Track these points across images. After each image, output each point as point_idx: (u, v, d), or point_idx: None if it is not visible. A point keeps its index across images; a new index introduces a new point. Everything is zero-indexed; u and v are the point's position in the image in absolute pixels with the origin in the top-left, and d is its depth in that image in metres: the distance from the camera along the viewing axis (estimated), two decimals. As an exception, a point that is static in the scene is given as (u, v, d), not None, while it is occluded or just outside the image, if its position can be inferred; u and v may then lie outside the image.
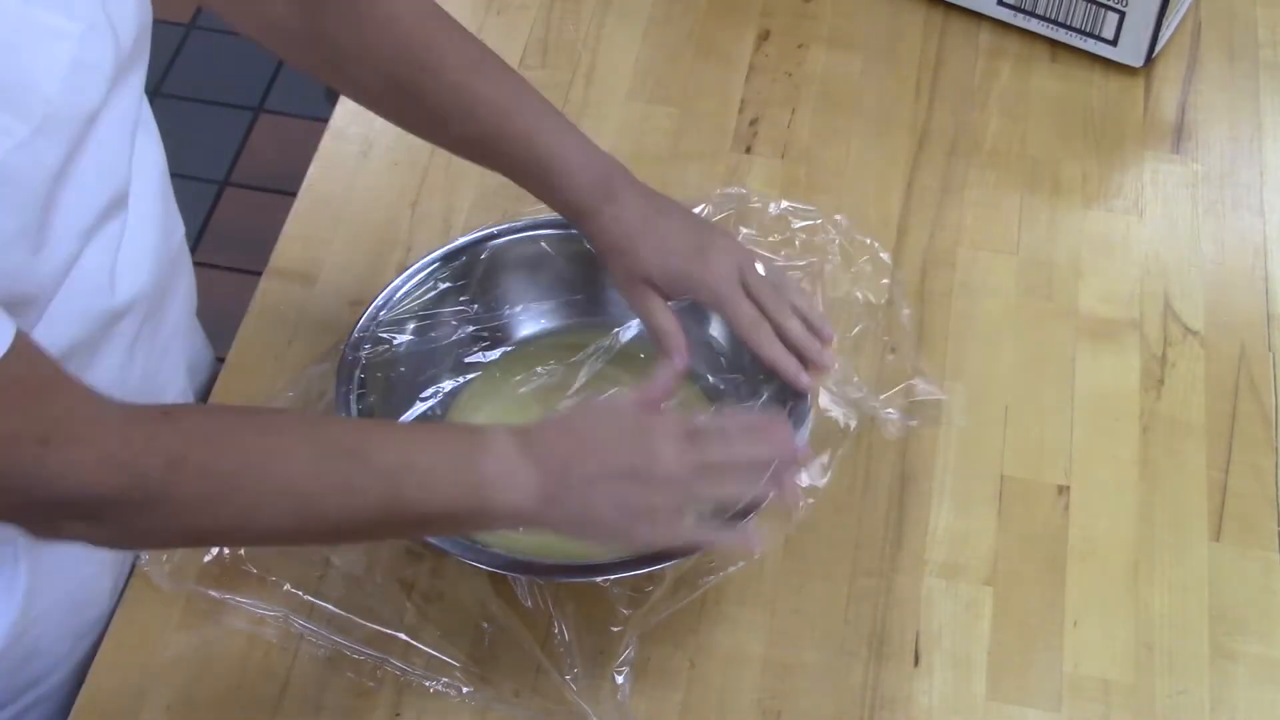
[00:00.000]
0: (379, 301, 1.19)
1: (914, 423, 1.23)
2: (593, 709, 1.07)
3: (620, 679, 1.08)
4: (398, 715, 1.09)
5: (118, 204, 1.00)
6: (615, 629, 1.10)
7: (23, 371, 0.83)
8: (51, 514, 0.86)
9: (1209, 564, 1.18)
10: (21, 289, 0.91)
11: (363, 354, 1.15)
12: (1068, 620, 1.15)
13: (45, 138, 0.88)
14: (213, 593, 1.12)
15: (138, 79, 1.02)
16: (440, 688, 1.09)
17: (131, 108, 1.01)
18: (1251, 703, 1.12)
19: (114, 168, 0.99)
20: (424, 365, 1.20)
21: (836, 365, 1.17)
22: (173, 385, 1.17)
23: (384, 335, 1.18)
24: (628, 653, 1.09)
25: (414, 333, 1.19)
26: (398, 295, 1.19)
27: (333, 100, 1.45)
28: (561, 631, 1.09)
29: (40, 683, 1.11)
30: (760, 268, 1.14)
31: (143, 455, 0.86)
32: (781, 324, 1.12)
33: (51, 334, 0.94)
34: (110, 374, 1.04)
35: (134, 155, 1.02)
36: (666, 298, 1.13)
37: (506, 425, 0.99)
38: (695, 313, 1.21)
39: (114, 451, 0.85)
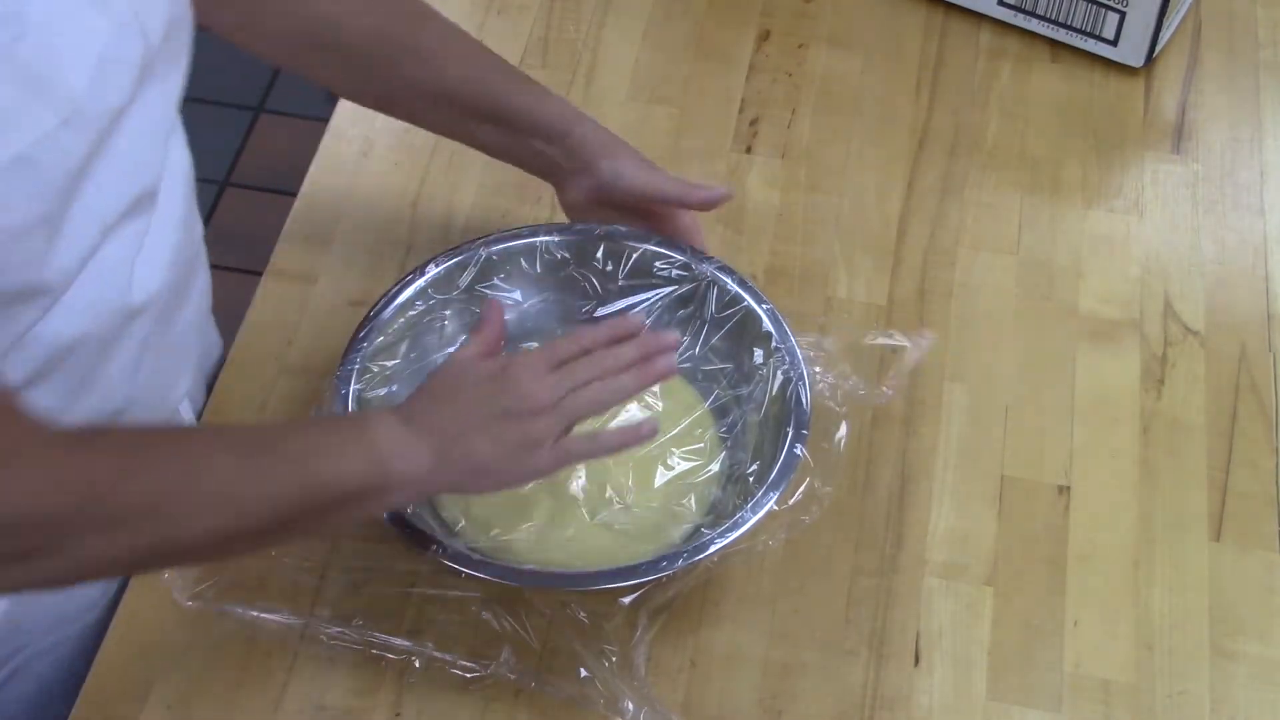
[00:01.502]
0: (363, 333, 1.17)
1: (889, 391, 1.23)
2: (626, 689, 1.07)
3: (639, 661, 1.08)
4: (398, 715, 1.09)
5: (144, 202, 1.01)
6: (616, 622, 1.10)
7: None
8: (3, 545, 0.86)
9: (1209, 564, 1.18)
10: (36, 278, 0.92)
11: (351, 389, 1.14)
12: (1068, 620, 1.15)
13: (71, 130, 0.90)
14: (238, 609, 1.11)
15: (174, 81, 1.02)
16: (440, 687, 1.09)
17: (166, 109, 1.02)
18: (1251, 703, 1.12)
19: (142, 166, 1.00)
20: (419, 379, 1.19)
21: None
22: (183, 381, 1.18)
23: (372, 367, 1.17)
24: (641, 634, 1.09)
25: (406, 349, 1.19)
26: (385, 315, 1.18)
27: (333, 100, 1.45)
28: (567, 625, 1.10)
29: (15, 656, 1.13)
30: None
31: (88, 472, 0.87)
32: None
33: (64, 326, 0.96)
34: (122, 370, 1.04)
35: (166, 157, 1.03)
36: (638, 204, 1.21)
37: (382, 408, 1.07)
38: (689, 317, 1.21)
39: (62, 472, 0.86)
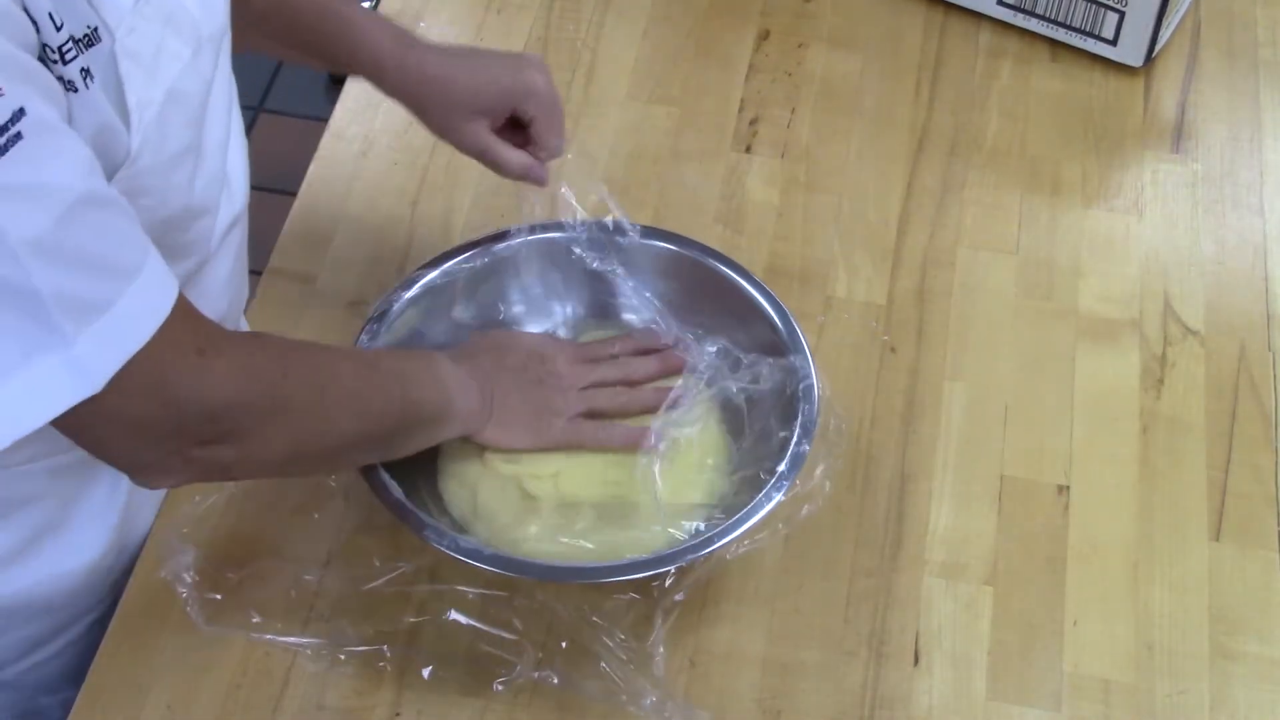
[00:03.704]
0: (372, 320, 1.18)
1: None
2: (648, 683, 1.07)
3: (658, 655, 1.08)
4: (398, 715, 1.09)
5: (230, 118, 1.09)
6: (630, 618, 1.10)
7: (182, 304, 0.92)
8: (201, 429, 0.94)
9: (1209, 564, 1.18)
10: (188, 200, 1.01)
11: None
12: (1068, 620, 1.15)
13: (201, 58, 0.98)
14: (255, 635, 1.11)
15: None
16: (439, 687, 1.09)
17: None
18: (1251, 703, 1.12)
19: (228, 84, 1.07)
20: None
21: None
22: (244, 296, 1.24)
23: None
24: (657, 631, 1.09)
25: (414, 345, 1.19)
26: (394, 309, 1.19)
27: (333, 100, 1.45)
28: (581, 623, 1.10)
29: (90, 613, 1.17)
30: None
31: (266, 365, 0.98)
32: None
33: (200, 238, 1.07)
34: (219, 281, 1.12)
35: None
36: (494, 125, 1.18)
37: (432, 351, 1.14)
38: (696, 314, 1.21)
39: (246, 362, 0.96)
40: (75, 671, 1.14)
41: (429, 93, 1.18)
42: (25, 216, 0.82)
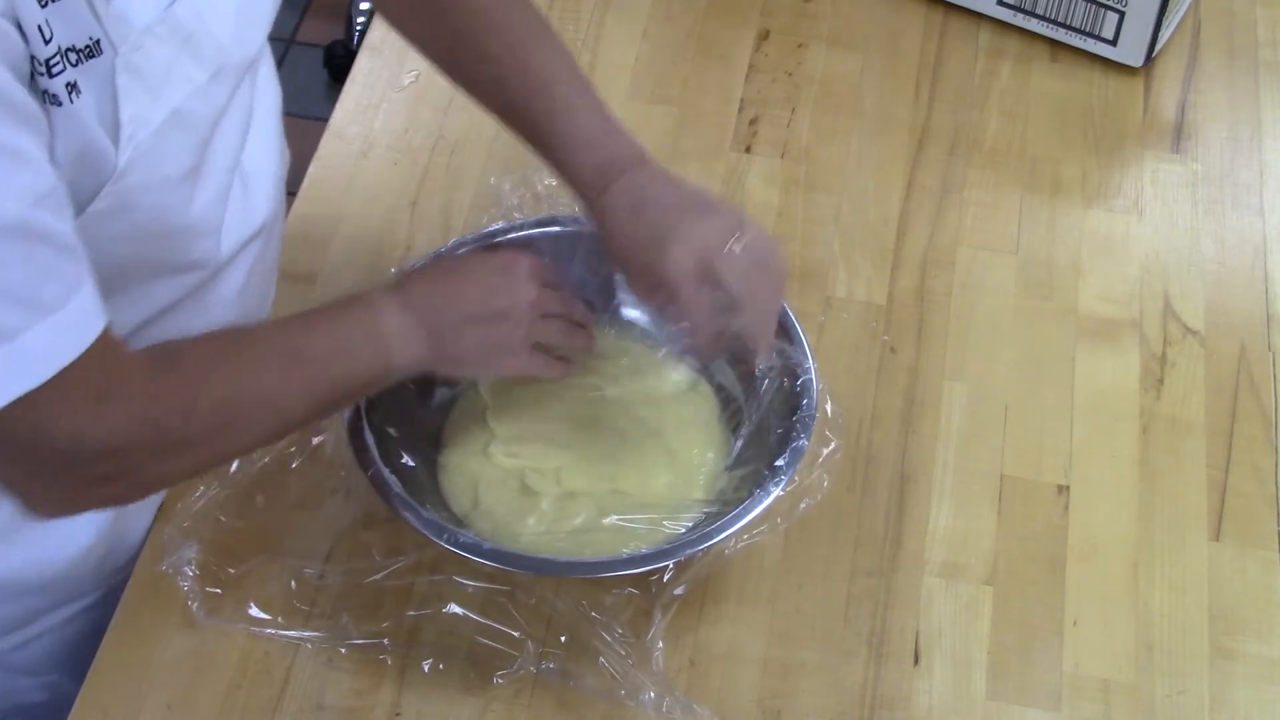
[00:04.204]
0: None
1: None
2: (647, 679, 1.07)
3: (657, 651, 1.08)
4: (398, 715, 1.09)
5: (249, 140, 1.08)
6: (629, 614, 1.10)
7: (100, 345, 0.89)
8: (91, 470, 0.92)
9: (1209, 564, 1.18)
10: (184, 220, 1.00)
11: None
12: (1068, 620, 1.15)
13: (218, 84, 0.97)
14: (255, 630, 1.11)
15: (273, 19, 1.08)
16: (440, 687, 1.09)
17: (266, 53, 1.09)
18: (1251, 702, 1.12)
19: (247, 108, 1.07)
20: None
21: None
22: (268, 304, 1.23)
23: None
24: (655, 626, 1.09)
25: None
26: None
27: (333, 100, 1.45)
28: (580, 619, 1.10)
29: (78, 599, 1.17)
30: (738, 245, 1.06)
31: (169, 408, 0.94)
32: (740, 311, 1.07)
33: (202, 257, 1.06)
34: (230, 294, 1.12)
35: (255, 90, 1.09)
36: (645, 295, 1.12)
37: (384, 288, 1.08)
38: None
39: (148, 406, 0.93)
40: (60, 656, 1.14)
41: (605, 248, 1.12)
42: None
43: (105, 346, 0.90)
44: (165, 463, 0.96)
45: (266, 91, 1.12)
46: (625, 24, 1.53)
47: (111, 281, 0.93)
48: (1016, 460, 1.23)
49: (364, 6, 2.75)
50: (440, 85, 1.46)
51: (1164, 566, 1.18)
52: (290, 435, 1.12)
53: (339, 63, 2.69)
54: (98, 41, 0.88)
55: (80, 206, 0.91)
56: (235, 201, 1.07)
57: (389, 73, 1.47)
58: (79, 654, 1.15)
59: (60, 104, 0.87)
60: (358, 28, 2.73)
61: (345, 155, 1.41)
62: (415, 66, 1.47)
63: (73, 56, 0.87)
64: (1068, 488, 1.22)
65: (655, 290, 1.08)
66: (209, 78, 0.96)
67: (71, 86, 0.87)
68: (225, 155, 1.03)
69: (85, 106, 0.88)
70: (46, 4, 0.85)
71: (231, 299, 1.12)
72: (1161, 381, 1.28)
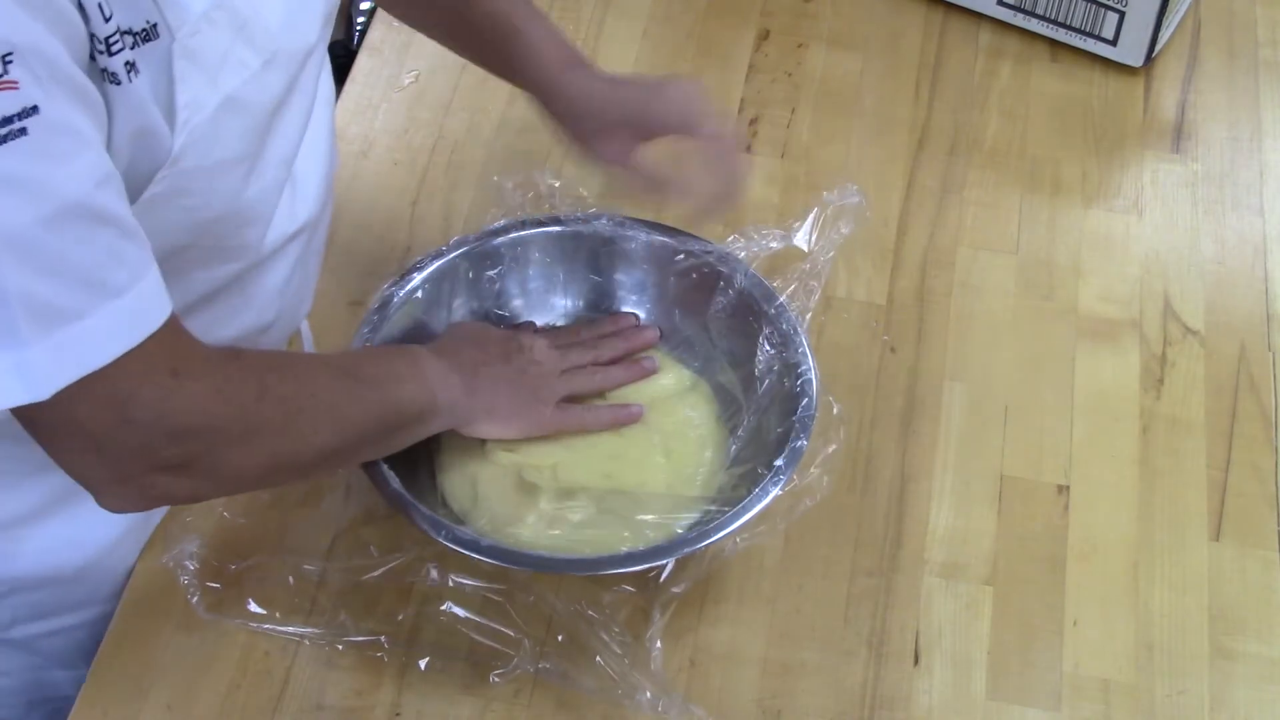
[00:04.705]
0: (373, 313, 1.18)
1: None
2: (644, 679, 1.07)
3: (654, 650, 1.08)
4: (398, 715, 1.09)
5: (307, 134, 1.08)
6: (627, 612, 1.10)
7: (169, 326, 0.91)
8: (166, 451, 0.92)
9: (1209, 563, 1.18)
10: (235, 206, 1.00)
11: None
12: (1068, 620, 1.15)
13: (272, 71, 0.97)
14: (255, 626, 1.11)
15: (333, 19, 1.09)
16: (439, 687, 1.09)
17: (324, 45, 1.09)
18: (1251, 702, 1.12)
19: (309, 103, 1.07)
20: None
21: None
22: (310, 298, 1.23)
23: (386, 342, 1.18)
24: (654, 625, 1.09)
25: (415, 338, 1.19)
26: (395, 302, 1.19)
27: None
28: (579, 618, 1.10)
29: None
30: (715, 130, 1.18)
31: (241, 387, 0.95)
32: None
33: (246, 249, 1.06)
34: (274, 287, 1.12)
35: (319, 75, 1.10)
36: (638, 141, 1.17)
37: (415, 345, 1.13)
38: (696, 310, 1.21)
39: (222, 385, 0.94)
40: (92, 652, 1.14)
41: (580, 118, 1.18)
42: (8, 210, 0.81)
43: (174, 330, 0.91)
44: (239, 450, 0.95)
45: (323, 88, 1.13)
46: (625, 24, 1.53)
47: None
48: (1016, 460, 1.23)
49: (364, 6, 2.74)
50: (440, 85, 1.47)
51: (1164, 566, 1.18)
52: (350, 466, 1.11)
53: (339, 63, 2.69)
54: (154, 25, 0.89)
55: (136, 191, 0.92)
56: (285, 195, 1.08)
57: (389, 73, 1.47)
58: None
59: (119, 83, 0.88)
60: (358, 28, 2.72)
61: (345, 155, 1.41)
62: (415, 66, 1.47)
63: (130, 39, 0.88)
64: (1068, 488, 1.22)
65: (633, 143, 1.17)
66: (262, 64, 0.96)
67: (130, 66, 0.88)
68: (284, 146, 1.04)
69: (143, 87, 0.89)
70: None
71: (273, 293, 1.12)
72: (1161, 381, 1.28)
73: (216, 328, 1.04)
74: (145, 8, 0.89)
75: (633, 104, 1.17)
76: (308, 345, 1.25)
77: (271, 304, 1.13)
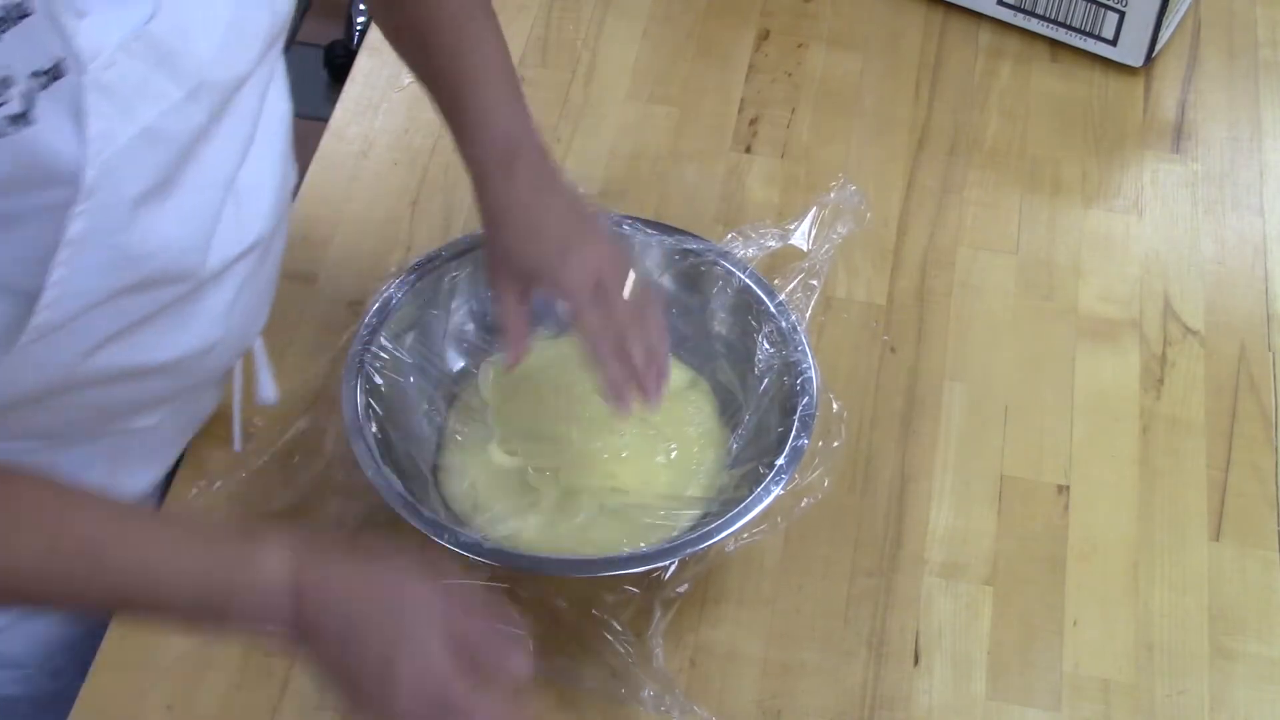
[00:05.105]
0: (373, 314, 1.18)
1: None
2: (647, 677, 1.07)
3: (657, 649, 1.08)
4: (398, 715, 1.09)
5: (248, 158, 1.03)
6: (630, 612, 1.10)
7: None
8: None
9: (1209, 563, 1.18)
10: (153, 237, 0.94)
11: (357, 380, 1.14)
12: (1068, 620, 1.15)
13: (194, 103, 0.92)
14: None
15: (281, 40, 1.04)
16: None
17: (270, 69, 1.04)
18: (1251, 702, 1.12)
19: (248, 126, 1.02)
20: (429, 370, 1.20)
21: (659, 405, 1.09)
22: (261, 319, 1.18)
23: (381, 354, 1.17)
24: (656, 624, 1.09)
25: (415, 338, 1.19)
26: (394, 303, 1.19)
27: (332, 100, 1.45)
28: (583, 617, 1.10)
29: None
30: (630, 275, 1.08)
31: None
32: (623, 344, 1.06)
33: (171, 269, 0.99)
34: (217, 310, 1.06)
35: (262, 109, 1.04)
36: (524, 289, 1.09)
37: (290, 541, 0.90)
38: (695, 308, 1.22)
39: None
40: (37, 650, 1.14)
41: (487, 233, 1.11)
42: None
43: None
44: None
45: (275, 108, 1.08)
46: (625, 24, 1.53)
47: (87, 295, 0.91)
48: (1016, 460, 1.23)
49: (364, 6, 2.75)
50: (440, 85, 1.47)
51: (1164, 566, 1.18)
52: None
53: (339, 63, 2.69)
54: (61, 61, 0.84)
55: (57, 232, 0.88)
56: (228, 218, 1.03)
57: (389, 73, 1.47)
58: (54, 650, 1.16)
59: (4, 135, 0.83)
60: (358, 28, 2.73)
61: (345, 155, 1.41)
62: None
63: (34, 82, 0.83)
64: (1068, 488, 1.22)
65: (528, 284, 1.08)
66: (185, 95, 0.91)
67: (18, 118, 0.83)
68: (214, 171, 0.99)
69: (43, 132, 0.84)
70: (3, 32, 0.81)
71: (217, 315, 1.07)
72: (1161, 381, 1.28)
73: (154, 351, 0.98)
74: (50, 45, 0.83)
75: (540, 264, 1.08)
76: (261, 365, 1.20)
77: (216, 325, 1.07)
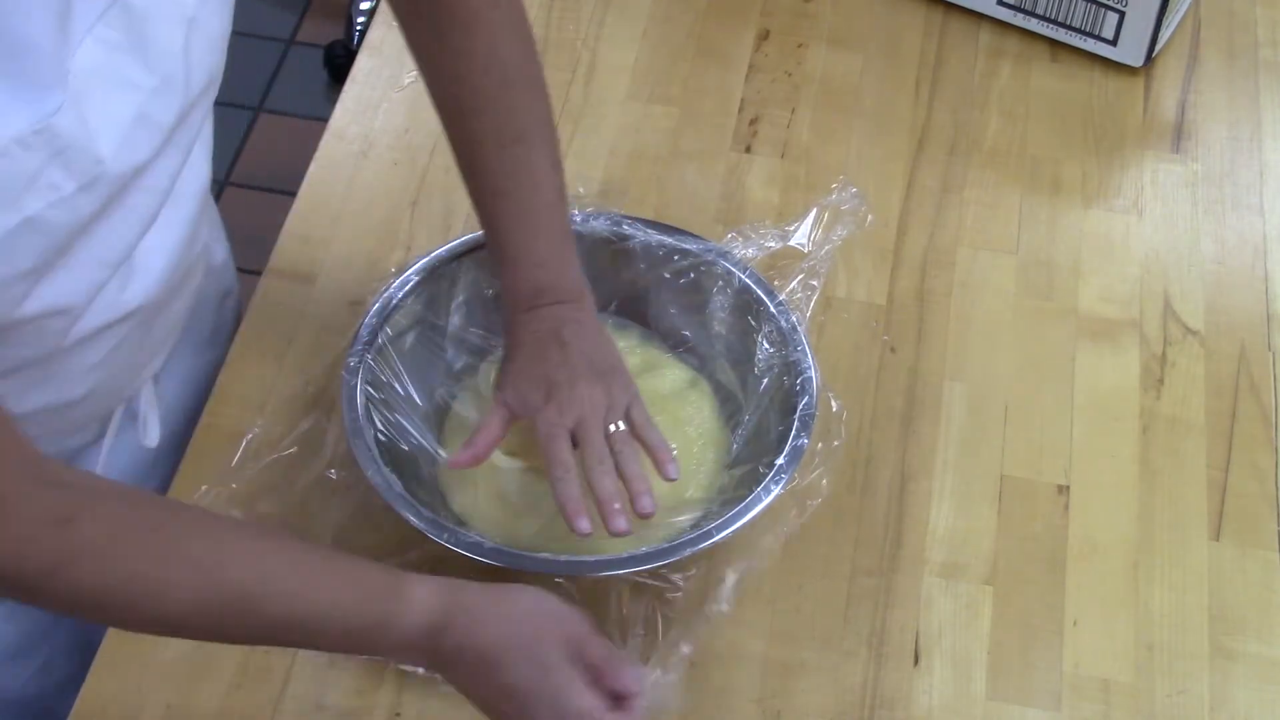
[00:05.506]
0: (373, 314, 1.18)
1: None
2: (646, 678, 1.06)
3: (657, 649, 1.08)
4: (398, 715, 1.09)
5: (146, 235, 1.01)
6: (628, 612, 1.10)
7: None
8: None
9: (1209, 564, 1.18)
10: (28, 313, 0.93)
11: (358, 380, 1.14)
12: (1068, 620, 1.15)
13: (88, 193, 0.90)
14: None
15: (202, 110, 1.02)
16: (440, 687, 1.09)
17: (191, 141, 1.01)
18: (1251, 702, 1.12)
19: (148, 211, 0.99)
20: (430, 370, 1.20)
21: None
22: (150, 368, 1.16)
23: (385, 343, 1.17)
24: (657, 624, 1.09)
25: (415, 338, 1.19)
26: (394, 303, 1.19)
27: (332, 100, 1.45)
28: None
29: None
30: (614, 427, 1.08)
31: (31, 550, 0.85)
32: (592, 479, 1.06)
33: (43, 338, 0.97)
34: (89, 367, 1.04)
35: (174, 185, 1.01)
36: (511, 415, 1.11)
37: (438, 591, 0.94)
38: (695, 308, 1.22)
39: (15, 536, 0.84)
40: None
41: (503, 360, 1.14)
42: None
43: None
44: (48, 603, 0.89)
45: (190, 178, 1.05)
46: (625, 24, 1.53)
47: None
48: (1016, 460, 1.23)
49: (364, 6, 2.75)
50: (440, 85, 1.47)
51: (1164, 566, 1.18)
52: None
53: (339, 63, 2.70)
54: None
55: None
56: (110, 288, 1.00)
57: (389, 73, 1.47)
58: (55, 650, 1.17)
59: None
60: (358, 28, 2.73)
61: (345, 155, 1.41)
62: (415, 67, 1.47)
63: None
64: (1068, 488, 1.22)
65: (516, 413, 1.10)
66: (78, 188, 0.89)
67: None
68: (105, 251, 0.96)
69: None
70: None
71: (83, 371, 1.04)
72: (1161, 381, 1.28)
73: (7, 401, 0.91)
74: None
75: (527, 402, 1.10)
76: (149, 409, 1.19)
77: (81, 381, 1.05)
